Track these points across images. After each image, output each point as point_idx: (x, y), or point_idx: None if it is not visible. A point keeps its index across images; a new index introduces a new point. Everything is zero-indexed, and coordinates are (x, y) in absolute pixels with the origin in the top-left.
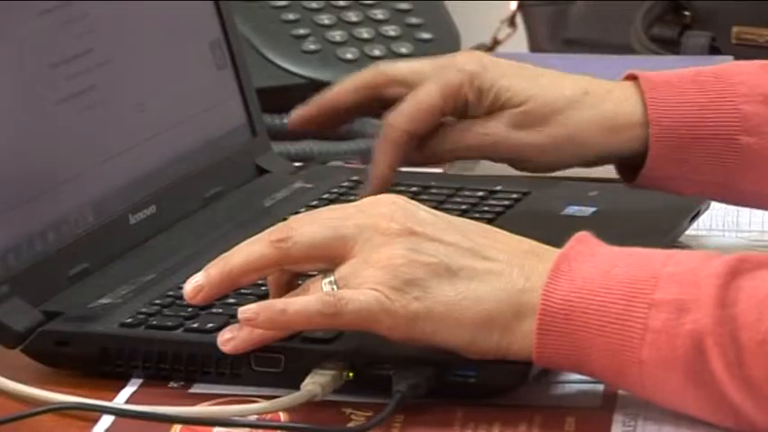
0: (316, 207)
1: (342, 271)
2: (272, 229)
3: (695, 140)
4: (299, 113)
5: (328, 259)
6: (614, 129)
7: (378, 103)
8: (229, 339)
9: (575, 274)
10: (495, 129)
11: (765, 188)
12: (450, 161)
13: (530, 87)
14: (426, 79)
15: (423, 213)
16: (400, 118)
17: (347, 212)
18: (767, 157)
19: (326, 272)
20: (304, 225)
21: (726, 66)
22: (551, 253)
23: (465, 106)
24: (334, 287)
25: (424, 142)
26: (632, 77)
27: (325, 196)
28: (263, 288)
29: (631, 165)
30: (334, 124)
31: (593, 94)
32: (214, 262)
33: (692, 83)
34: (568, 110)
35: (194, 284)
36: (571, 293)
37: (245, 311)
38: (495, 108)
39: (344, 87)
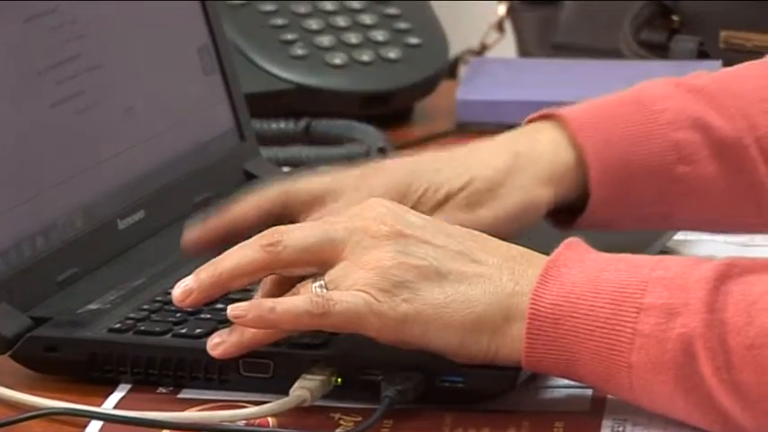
0: None
1: (331, 273)
2: (262, 233)
3: (632, 177)
4: (191, 235)
5: (318, 262)
6: (554, 180)
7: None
8: (219, 344)
9: (564, 279)
10: (449, 219)
11: (703, 215)
12: None
13: (463, 173)
14: (341, 196)
15: (413, 217)
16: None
17: (337, 216)
18: (704, 185)
19: (317, 276)
20: (294, 229)
21: (643, 89)
22: (541, 258)
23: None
24: (324, 289)
25: None
26: (548, 116)
27: None
28: (251, 293)
29: (564, 209)
30: (233, 242)
31: (524, 154)
32: (204, 266)
33: (617, 117)
34: (509, 177)
35: (184, 288)
36: (560, 298)
37: (234, 309)
38: (439, 203)
39: (246, 207)
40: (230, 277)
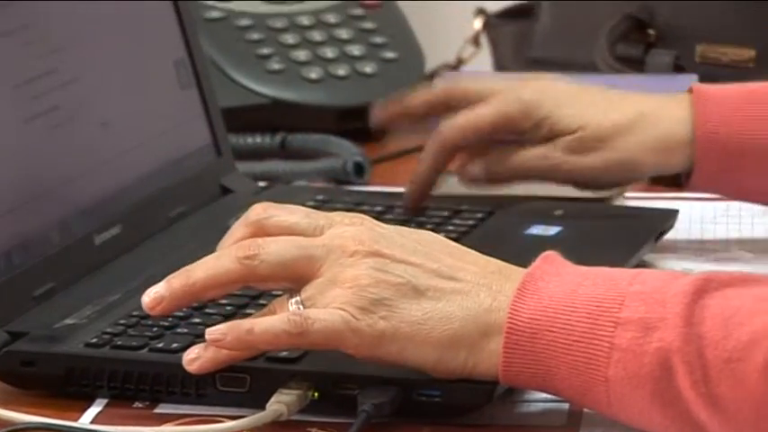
0: None
1: (308, 291)
2: (239, 244)
3: (742, 156)
4: (379, 114)
5: (294, 278)
6: (665, 150)
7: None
8: (194, 359)
9: (541, 293)
10: (553, 154)
11: None
12: (510, 182)
13: (584, 115)
14: (489, 99)
15: (390, 235)
16: (450, 128)
17: (316, 233)
18: None
19: (292, 292)
20: (271, 243)
21: None
22: (518, 273)
23: (522, 133)
24: (301, 307)
25: (487, 165)
26: (692, 90)
27: None
28: (227, 308)
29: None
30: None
31: (648, 116)
32: (177, 273)
33: (744, 96)
34: (620, 135)
35: (155, 295)
36: (537, 312)
37: (212, 332)
38: (552, 135)
39: (421, 95)
40: (203, 287)
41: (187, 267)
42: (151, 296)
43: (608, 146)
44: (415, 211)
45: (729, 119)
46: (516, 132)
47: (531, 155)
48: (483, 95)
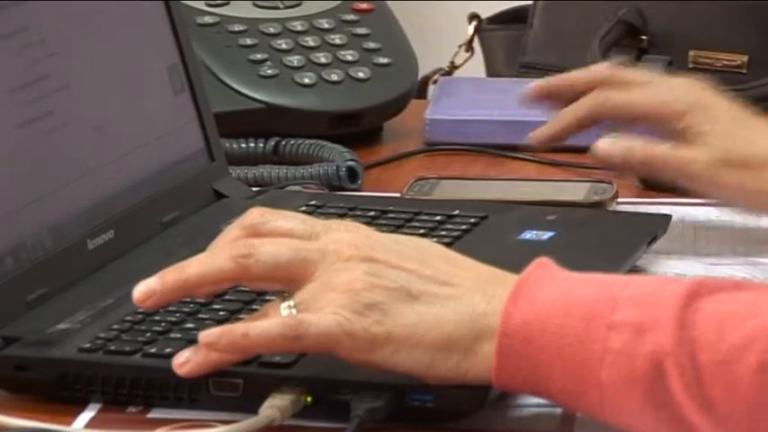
0: None
1: (302, 295)
2: (234, 243)
3: None
4: (534, 90)
5: (286, 280)
6: None
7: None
8: (184, 363)
9: (534, 298)
10: (698, 162)
11: None
12: (641, 172)
13: (734, 137)
14: (650, 88)
15: (386, 242)
16: (606, 96)
17: (312, 237)
18: None
19: (284, 295)
20: (267, 244)
21: None
22: (512, 279)
23: (671, 129)
24: (294, 311)
25: (627, 149)
26: None
27: None
28: (221, 313)
29: None
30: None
31: None
32: (171, 268)
33: None
34: (761, 168)
35: (146, 289)
36: (530, 316)
37: (206, 336)
38: (698, 144)
39: (582, 76)
40: (196, 284)
41: (181, 263)
42: (143, 289)
43: (751, 173)
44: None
45: None
46: (662, 127)
47: (679, 155)
48: (650, 83)
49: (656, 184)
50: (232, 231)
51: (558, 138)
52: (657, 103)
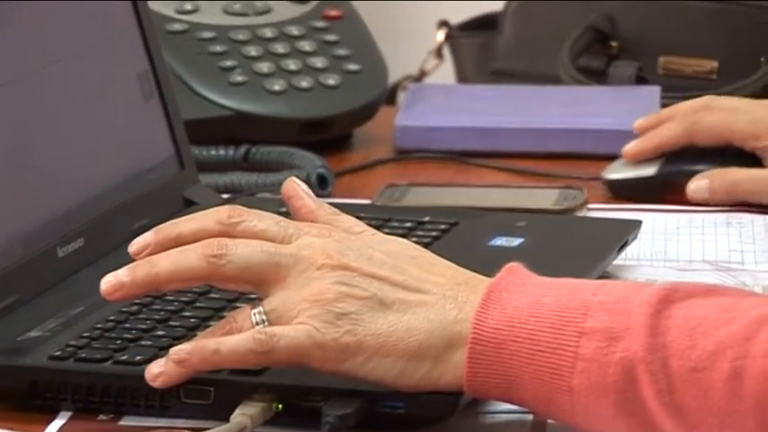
0: None
1: (273, 302)
2: (206, 241)
3: None
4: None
5: (257, 283)
6: None
7: None
8: (158, 375)
9: (505, 304)
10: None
11: None
12: (729, 198)
13: None
14: (735, 111)
15: (358, 247)
16: (696, 118)
17: (285, 241)
18: None
19: (254, 302)
20: (240, 245)
21: None
22: (485, 284)
23: (756, 148)
24: (263, 317)
25: (711, 180)
26: None
27: None
28: (191, 320)
29: None
30: None
31: None
32: (141, 262)
33: None
34: None
35: (116, 281)
36: (502, 322)
37: (177, 352)
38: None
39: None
40: (166, 280)
41: (151, 257)
42: (111, 281)
43: None
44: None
45: None
46: (748, 146)
47: (755, 176)
48: (736, 107)
49: (626, 193)
50: (204, 222)
51: (650, 155)
52: (742, 125)
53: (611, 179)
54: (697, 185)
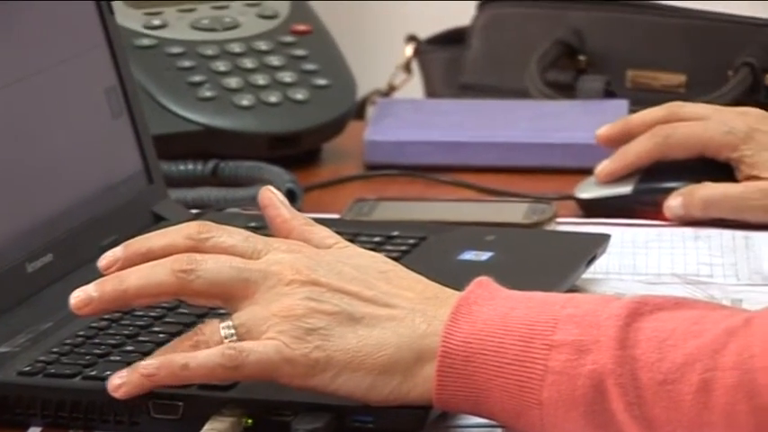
0: None
1: (241, 317)
2: (176, 257)
3: None
4: (603, 134)
5: (226, 298)
6: None
7: None
8: (120, 385)
9: (475, 317)
10: (749, 195)
11: None
12: (703, 215)
13: None
14: (707, 121)
15: (328, 262)
16: (667, 131)
17: (254, 257)
18: None
19: (223, 316)
20: (209, 260)
21: None
22: (454, 298)
23: (729, 159)
24: (232, 331)
25: (683, 197)
26: None
27: None
28: (161, 336)
29: None
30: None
31: None
32: (110, 277)
33: None
34: None
35: (84, 296)
36: (471, 336)
37: (145, 367)
38: (750, 175)
39: (641, 118)
40: (135, 295)
41: (121, 272)
42: (80, 296)
43: None
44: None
45: None
46: (721, 157)
47: (728, 192)
48: (708, 116)
49: (601, 212)
50: (174, 237)
51: (625, 173)
52: (715, 135)
53: (584, 198)
54: (672, 204)
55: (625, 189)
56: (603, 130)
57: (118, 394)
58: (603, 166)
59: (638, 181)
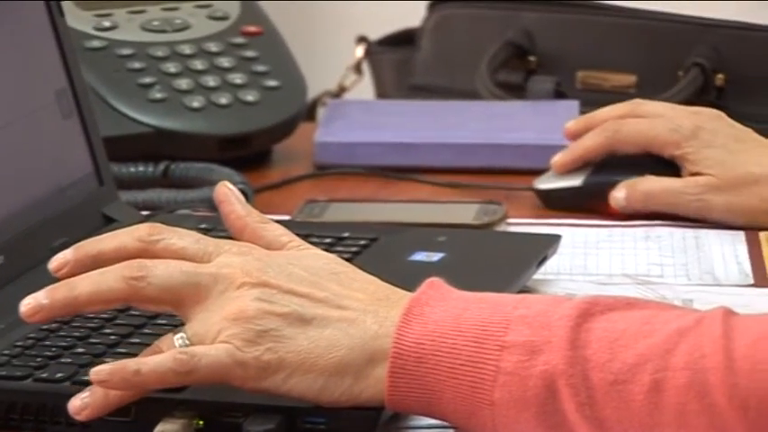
0: None
1: (194, 326)
2: (127, 263)
3: None
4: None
5: (177, 304)
6: None
7: None
8: (82, 408)
9: (426, 318)
10: (688, 190)
11: None
12: (644, 207)
13: (723, 160)
14: (656, 118)
15: (278, 264)
16: (616, 127)
17: (204, 259)
18: None
19: (176, 329)
20: (159, 266)
21: None
22: (405, 299)
23: (673, 156)
24: (186, 341)
25: (627, 190)
26: None
27: None
28: (112, 337)
29: None
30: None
31: None
32: (61, 284)
33: None
34: (752, 186)
35: (35, 303)
36: (422, 336)
37: (98, 373)
38: (693, 171)
39: (602, 114)
40: (86, 302)
41: (72, 279)
42: (31, 303)
43: (741, 192)
44: None
45: None
46: (666, 154)
47: (668, 186)
48: (659, 114)
49: (556, 204)
50: (124, 240)
51: (576, 165)
52: (660, 132)
53: (540, 189)
54: (616, 196)
55: (576, 181)
56: (570, 125)
57: (81, 417)
58: (557, 158)
59: (590, 174)
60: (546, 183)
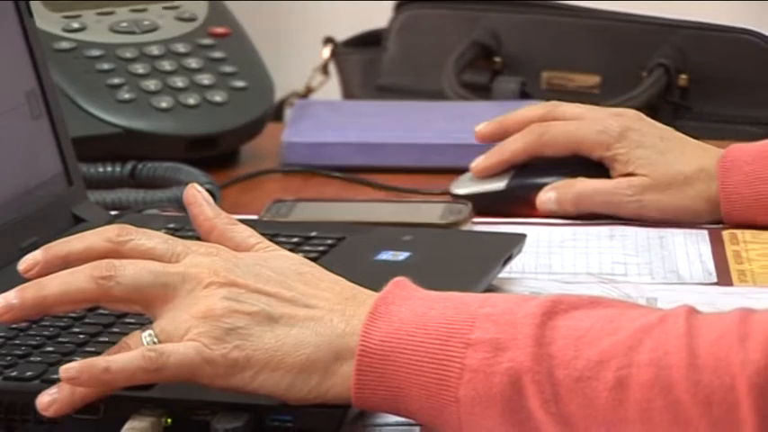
0: None
1: (162, 324)
2: (95, 263)
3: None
4: (482, 130)
5: (145, 303)
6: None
7: None
8: (50, 403)
9: (392, 317)
10: (620, 191)
11: None
12: (576, 210)
13: (654, 161)
14: (583, 120)
15: (246, 264)
16: (543, 129)
17: (173, 260)
18: None
19: (144, 326)
20: (128, 266)
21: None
22: (372, 298)
23: (603, 157)
24: (154, 339)
25: (558, 192)
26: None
27: None
28: (80, 336)
29: None
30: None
31: (707, 172)
32: (30, 284)
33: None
34: (683, 185)
35: (5, 302)
36: (389, 335)
37: (67, 371)
38: (623, 172)
39: (518, 116)
40: (55, 302)
41: (41, 279)
42: (0, 304)
43: (673, 192)
44: None
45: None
46: (595, 155)
47: (600, 187)
48: (584, 115)
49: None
50: (92, 241)
51: (500, 168)
52: (588, 134)
53: (459, 194)
54: (545, 198)
55: (499, 185)
56: (482, 127)
57: (49, 413)
58: (478, 162)
59: (513, 177)
60: (465, 187)
